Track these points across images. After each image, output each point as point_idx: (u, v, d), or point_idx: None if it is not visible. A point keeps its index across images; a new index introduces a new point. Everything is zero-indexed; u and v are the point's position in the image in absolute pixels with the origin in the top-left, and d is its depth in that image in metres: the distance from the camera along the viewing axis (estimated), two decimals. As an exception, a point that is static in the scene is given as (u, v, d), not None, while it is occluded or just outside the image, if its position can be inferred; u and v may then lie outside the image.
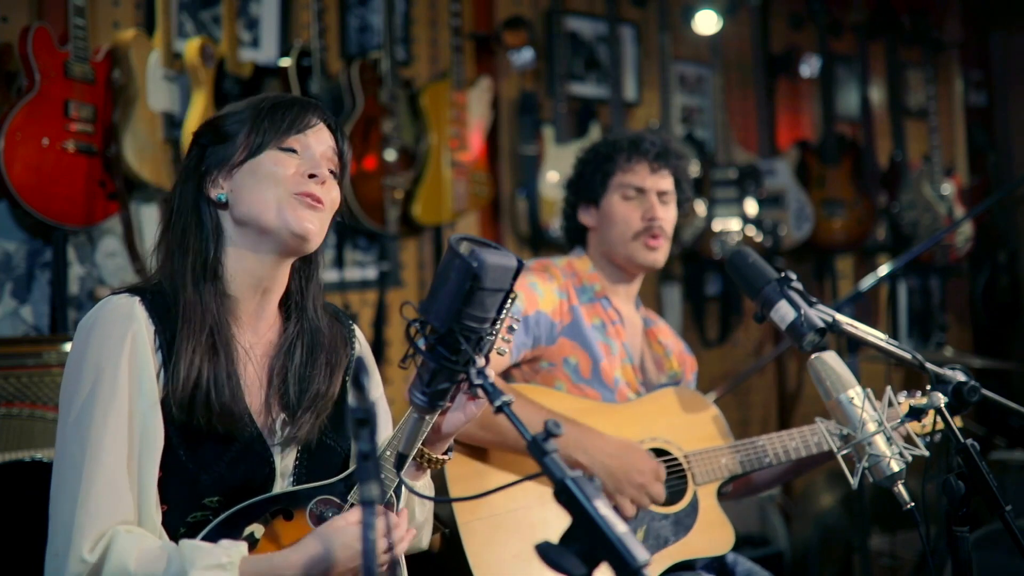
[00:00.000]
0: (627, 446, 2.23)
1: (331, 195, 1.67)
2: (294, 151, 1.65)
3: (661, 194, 2.47)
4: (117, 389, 1.53)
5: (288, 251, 1.67)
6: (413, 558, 1.81)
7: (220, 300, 1.63)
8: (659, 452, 2.32)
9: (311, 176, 1.64)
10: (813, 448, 2.33)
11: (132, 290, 1.62)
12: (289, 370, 1.69)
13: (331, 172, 1.68)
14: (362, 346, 1.85)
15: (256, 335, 1.70)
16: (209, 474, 1.58)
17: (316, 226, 1.64)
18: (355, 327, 1.85)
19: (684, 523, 2.27)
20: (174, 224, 1.67)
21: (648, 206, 2.44)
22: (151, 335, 1.58)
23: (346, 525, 1.54)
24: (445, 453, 1.74)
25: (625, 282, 2.52)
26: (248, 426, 1.62)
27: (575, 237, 2.58)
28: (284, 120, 1.65)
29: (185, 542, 1.49)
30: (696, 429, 2.37)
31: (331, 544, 1.52)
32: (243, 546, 1.51)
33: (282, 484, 1.66)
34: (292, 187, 1.62)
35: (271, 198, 1.62)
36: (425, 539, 1.87)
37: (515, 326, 1.56)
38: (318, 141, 1.68)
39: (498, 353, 1.58)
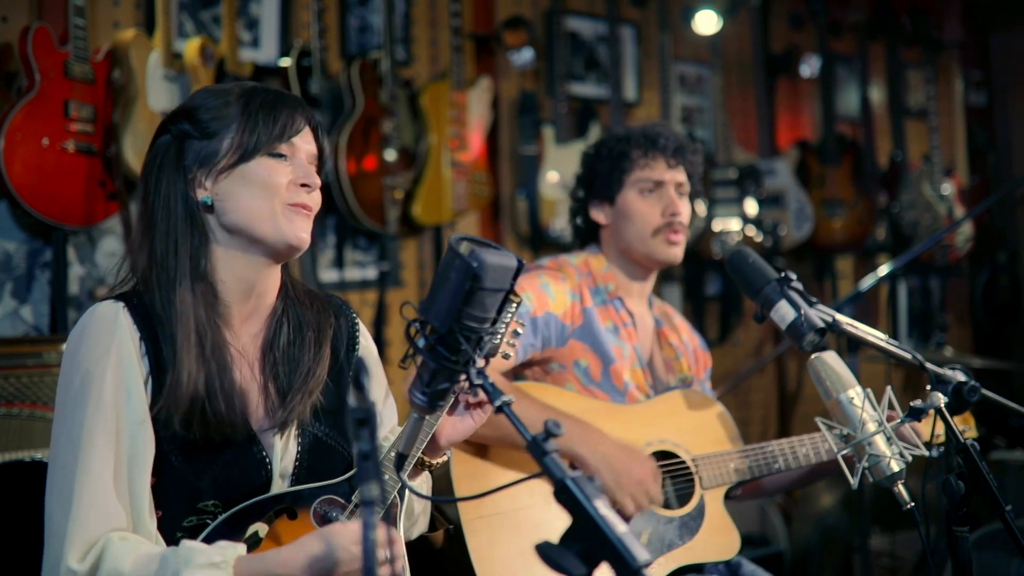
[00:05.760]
0: (627, 447, 2.22)
1: (319, 198, 1.66)
2: (284, 157, 1.62)
3: (678, 186, 2.43)
4: (104, 398, 1.52)
5: (279, 258, 1.66)
6: (416, 554, 1.81)
7: (212, 307, 1.61)
8: (666, 455, 2.30)
9: (303, 185, 1.62)
10: (824, 455, 2.30)
11: (118, 296, 1.60)
12: (277, 351, 1.67)
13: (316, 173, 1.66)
14: (367, 341, 1.83)
15: (249, 333, 1.68)
16: (204, 478, 1.58)
17: (307, 232, 1.63)
18: (359, 322, 1.83)
19: (690, 526, 2.25)
20: (159, 224, 1.60)
21: (668, 200, 2.40)
22: (136, 342, 1.56)
23: (346, 528, 1.51)
24: (443, 455, 1.74)
25: (640, 280, 2.48)
26: (243, 431, 1.61)
27: (587, 235, 2.54)
28: (276, 124, 1.61)
29: (183, 543, 1.49)
30: (704, 432, 2.36)
31: (330, 545, 1.48)
32: (240, 547, 1.50)
33: (281, 486, 1.65)
34: (285, 197, 1.60)
35: (264, 208, 1.59)
36: (421, 527, 1.87)
37: (520, 330, 1.56)
38: (304, 142, 1.65)
39: (503, 357, 1.58)
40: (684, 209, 2.43)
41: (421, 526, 1.86)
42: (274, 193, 1.60)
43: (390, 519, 1.64)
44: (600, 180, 2.46)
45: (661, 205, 2.40)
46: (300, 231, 1.61)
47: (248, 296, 1.66)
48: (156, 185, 1.62)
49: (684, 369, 2.53)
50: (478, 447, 2.20)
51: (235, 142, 1.60)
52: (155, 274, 1.60)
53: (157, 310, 1.58)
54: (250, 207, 1.59)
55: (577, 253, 2.51)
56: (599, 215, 2.48)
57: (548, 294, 2.33)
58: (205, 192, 1.61)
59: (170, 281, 1.59)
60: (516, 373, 2.38)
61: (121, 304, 1.58)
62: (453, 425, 1.66)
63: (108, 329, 1.55)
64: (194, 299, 1.58)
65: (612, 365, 2.37)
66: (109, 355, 1.54)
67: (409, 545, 1.82)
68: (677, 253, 2.42)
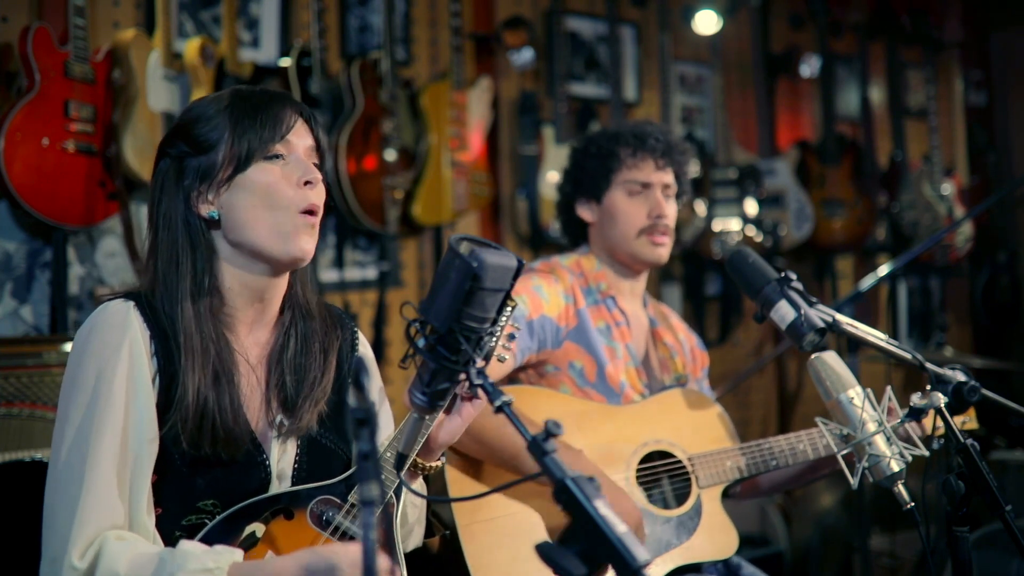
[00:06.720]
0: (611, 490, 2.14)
1: (323, 192, 1.65)
2: (280, 156, 1.61)
3: (665, 187, 2.43)
4: (113, 397, 1.52)
5: (284, 269, 1.66)
6: (412, 561, 1.81)
7: (218, 318, 1.61)
8: (662, 454, 2.30)
9: (306, 183, 1.61)
10: (821, 451, 2.30)
11: (127, 295, 1.61)
12: (284, 362, 1.67)
13: (316, 166, 1.65)
14: (365, 349, 1.83)
15: (255, 341, 1.69)
16: (204, 477, 1.58)
17: (313, 244, 1.62)
18: (358, 330, 1.84)
19: (687, 526, 2.24)
20: (162, 244, 1.61)
21: (654, 202, 2.40)
22: (147, 341, 1.57)
23: (345, 550, 1.49)
24: (438, 459, 1.74)
25: (631, 279, 2.48)
26: (246, 437, 1.61)
27: (575, 233, 2.54)
28: (265, 126, 1.60)
29: (181, 545, 1.48)
30: (701, 431, 2.35)
31: (327, 563, 1.47)
32: (237, 553, 1.50)
33: (279, 486, 1.65)
34: (295, 205, 1.59)
35: (267, 220, 1.58)
36: (416, 539, 1.87)
37: (515, 333, 1.56)
38: (299, 138, 1.64)
39: (499, 360, 1.58)
40: (670, 211, 2.42)
41: (416, 538, 1.86)
42: (278, 202, 1.59)
43: (387, 519, 1.63)
44: (587, 178, 2.45)
45: (647, 206, 2.40)
46: (305, 244, 1.61)
47: (254, 302, 1.66)
48: (158, 208, 1.63)
49: (679, 368, 2.53)
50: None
51: (229, 152, 1.59)
52: (159, 294, 1.60)
53: (164, 326, 1.59)
54: (254, 218, 1.59)
55: (568, 254, 2.50)
56: (586, 213, 2.48)
57: (542, 296, 2.33)
58: (210, 207, 1.61)
59: (173, 300, 1.59)
60: (511, 376, 2.37)
61: (131, 303, 1.58)
62: (443, 425, 1.66)
63: (120, 327, 1.56)
64: (198, 315, 1.58)
65: (606, 367, 2.36)
66: (120, 353, 1.54)
67: (405, 553, 1.82)
68: (662, 254, 2.42)
